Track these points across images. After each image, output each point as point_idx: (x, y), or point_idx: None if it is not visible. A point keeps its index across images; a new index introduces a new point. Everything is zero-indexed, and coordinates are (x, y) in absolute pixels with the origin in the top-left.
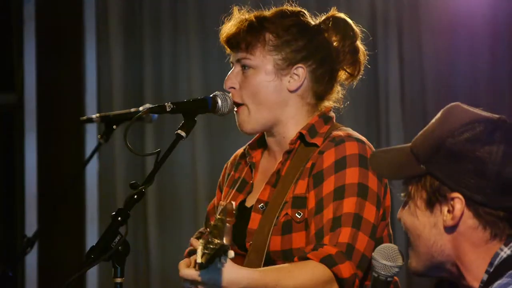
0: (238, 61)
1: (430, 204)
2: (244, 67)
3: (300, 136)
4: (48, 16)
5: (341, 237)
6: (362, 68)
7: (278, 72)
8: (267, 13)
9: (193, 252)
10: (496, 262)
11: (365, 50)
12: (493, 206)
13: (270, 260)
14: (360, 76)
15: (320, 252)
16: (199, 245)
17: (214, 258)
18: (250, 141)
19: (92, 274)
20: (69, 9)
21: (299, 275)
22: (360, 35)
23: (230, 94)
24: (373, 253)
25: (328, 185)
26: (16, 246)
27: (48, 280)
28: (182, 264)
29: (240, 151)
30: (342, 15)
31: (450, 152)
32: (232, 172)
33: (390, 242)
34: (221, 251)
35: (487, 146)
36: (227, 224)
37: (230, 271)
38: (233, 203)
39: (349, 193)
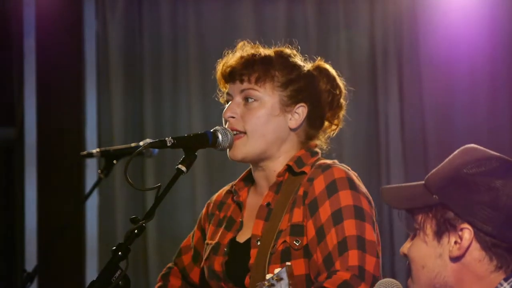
0: (242, 92)
1: (439, 234)
2: (247, 99)
3: (288, 168)
4: (49, 50)
5: (350, 260)
6: (341, 122)
7: (283, 108)
8: (268, 51)
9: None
10: None
11: (346, 105)
12: (502, 238)
13: None
14: (336, 132)
15: (335, 280)
16: None
17: None
18: (236, 181)
19: None
20: (70, 44)
21: None
22: (344, 92)
23: (227, 125)
24: None
25: (325, 211)
26: (16, 281)
27: None
28: None
29: (222, 191)
30: (328, 66)
31: (465, 182)
32: (216, 212)
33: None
34: None
35: (502, 179)
36: (291, 287)
37: None
38: (290, 264)
39: (346, 215)
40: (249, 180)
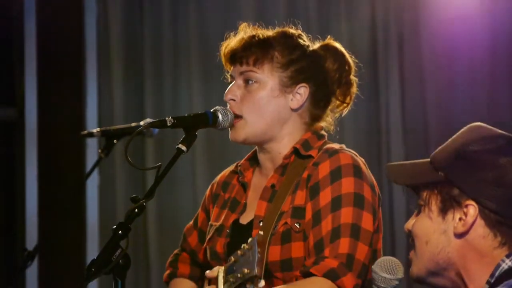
0: (242, 74)
1: (444, 210)
2: (247, 81)
3: (295, 151)
4: (49, 31)
5: (341, 248)
6: (352, 99)
7: (283, 89)
8: (270, 32)
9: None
10: (497, 274)
11: (357, 81)
12: (506, 215)
13: (269, 274)
14: (350, 107)
15: (322, 266)
16: (219, 273)
17: (241, 286)
18: (241, 161)
19: None
20: (70, 24)
21: None
22: (354, 68)
23: (228, 106)
24: (373, 266)
25: (325, 196)
26: (16, 259)
27: None
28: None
29: (226, 172)
30: (338, 44)
31: (471, 160)
32: (221, 193)
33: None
34: (251, 280)
35: (507, 157)
36: (258, 255)
37: None
38: (262, 233)
39: (345, 203)
40: (254, 160)
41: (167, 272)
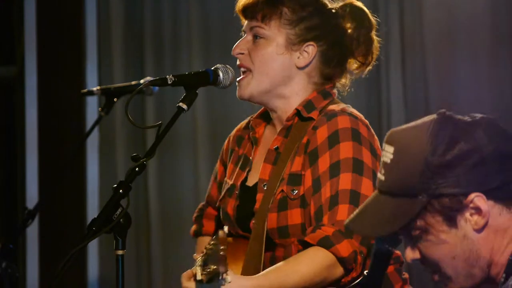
0: (251, 29)
1: (452, 221)
2: (256, 36)
3: (297, 113)
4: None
5: (339, 215)
6: (374, 59)
7: (289, 46)
8: None
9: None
10: None
11: (379, 41)
12: (506, 182)
13: (269, 240)
14: (371, 67)
15: (317, 234)
16: (198, 261)
17: (212, 279)
18: (255, 115)
19: (94, 247)
20: None
21: (301, 268)
22: (375, 26)
23: (238, 62)
24: None
25: (324, 162)
26: (17, 218)
27: (49, 253)
28: (185, 276)
29: (242, 124)
30: (360, 3)
31: (440, 165)
32: (236, 148)
33: None
34: (217, 276)
35: (470, 138)
36: (222, 253)
37: (235, 285)
38: (225, 229)
39: (344, 169)
40: (266, 116)
41: (193, 228)
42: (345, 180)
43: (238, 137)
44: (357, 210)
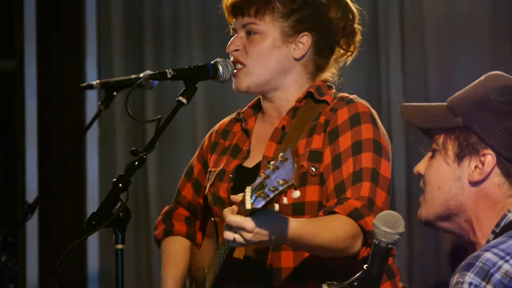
0: (244, 26)
1: (460, 157)
2: (249, 33)
3: (308, 94)
4: None
5: (363, 191)
6: (357, 48)
7: (285, 39)
8: None
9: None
10: (502, 224)
11: (361, 30)
12: None
13: None
14: (354, 56)
15: (346, 206)
16: (246, 192)
17: (272, 201)
18: (244, 109)
19: (93, 241)
20: None
21: (334, 227)
22: (358, 16)
23: (232, 58)
24: (374, 220)
25: (345, 141)
26: (16, 212)
27: (48, 246)
28: (228, 211)
29: (225, 120)
30: None
31: (491, 109)
32: (220, 141)
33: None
34: (284, 191)
35: None
36: (295, 164)
37: (278, 218)
38: (296, 145)
39: (366, 148)
40: (257, 108)
41: (161, 228)
42: (367, 159)
43: (223, 130)
44: (416, 104)
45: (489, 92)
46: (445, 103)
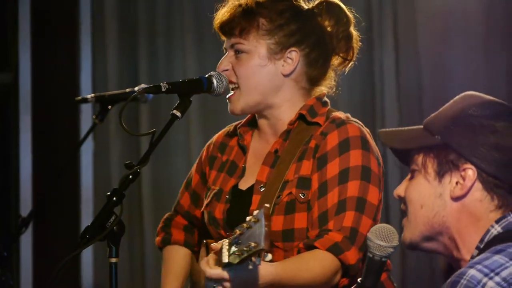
0: (232, 46)
1: (441, 174)
2: (237, 52)
3: (300, 117)
4: None
5: (345, 221)
6: (355, 54)
7: (272, 56)
8: None
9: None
10: (486, 239)
11: (359, 35)
12: (504, 179)
13: (270, 243)
14: (353, 63)
15: (326, 240)
16: (223, 245)
17: (247, 259)
18: (241, 123)
19: (87, 254)
20: None
21: (312, 267)
22: (353, 21)
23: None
24: (368, 234)
25: (333, 168)
26: (11, 226)
27: (43, 260)
28: (205, 264)
29: (223, 132)
30: (336, 0)
31: (469, 124)
32: (218, 155)
33: None
34: (257, 254)
35: (506, 122)
36: (266, 229)
37: (265, 271)
38: (268, 206)
39: (353, 176)
40: (254, 123)
41: (160, 236)
42: (354, 187)
43: (220, 144)
44: (394, 129)
45: (466, 108)
46: (420, 126)
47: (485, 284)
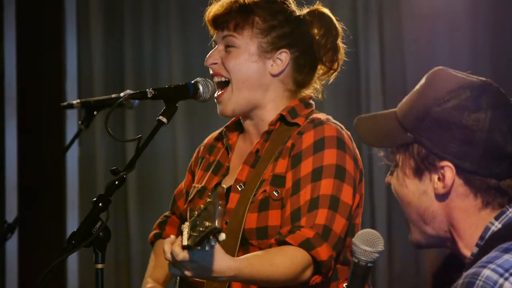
0: (223, 39)
1: (419, 172)
2: (227, 46)
3: (281, 118)
4: (29, 1)
5: (318, 218)
6: (340, 65)
7: (262, 54)
8: None
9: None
10: (486, 236)
11: (345, 48)
12: (482, 173)
13: (245, 240)
14: (337, 74)
15: (297, 236)
16: (184, 228)
17: (203, 240)
18: (227, 124)
19: (73, 260)
20: None
21: (280, 263)
22: (341, 34)
23: (211, 71)
24: (353, 239)
25: (306, 166)
26: None
27: (28, 266)
28: (168, 242)
29: (214, 134)
30: (326, 10)
31: (437, 120)
32: (206, 156)
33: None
34: (212, 233)
35: (474, 113)
36: (219, 207)
37: (222, 259)
38: (224, 186)
39: (326, 174)
40: (239, 125)
41: (154, 232)
42: (327, 185)
43: (210, 145)
44: (370, 115)
45: (430, 104)
46: (395, 110)
47: (501, 285)
